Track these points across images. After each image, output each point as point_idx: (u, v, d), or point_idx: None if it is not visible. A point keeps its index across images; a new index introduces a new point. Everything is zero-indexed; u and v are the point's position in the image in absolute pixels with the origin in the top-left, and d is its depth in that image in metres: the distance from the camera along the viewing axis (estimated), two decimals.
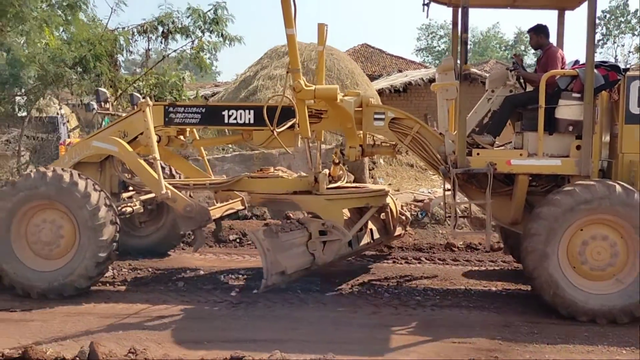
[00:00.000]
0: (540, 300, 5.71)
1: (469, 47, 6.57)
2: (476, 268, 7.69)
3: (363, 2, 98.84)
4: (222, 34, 12.81)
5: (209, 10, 12.65)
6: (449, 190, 6.21)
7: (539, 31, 6.47)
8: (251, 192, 6.93)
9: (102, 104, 7.21)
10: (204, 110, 6.96)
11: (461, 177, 6.14)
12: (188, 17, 12.71)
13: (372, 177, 12.32)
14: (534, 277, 5.64)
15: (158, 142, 6.72)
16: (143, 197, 7.44)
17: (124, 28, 12.84)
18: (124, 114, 7.28)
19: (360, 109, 6.51)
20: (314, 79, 7.13)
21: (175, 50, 13.09)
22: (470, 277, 7.18)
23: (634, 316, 5.46)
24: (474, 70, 7.90)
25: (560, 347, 5.01)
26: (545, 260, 5.54)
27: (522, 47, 48.01)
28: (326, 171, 6.68)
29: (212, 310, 5.92)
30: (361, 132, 6.69)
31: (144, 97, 7.43)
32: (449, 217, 7.51)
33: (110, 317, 5.68)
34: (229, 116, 6.85)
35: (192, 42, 12.85)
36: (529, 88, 6.41)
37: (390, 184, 11.78)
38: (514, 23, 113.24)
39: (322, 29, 6.98)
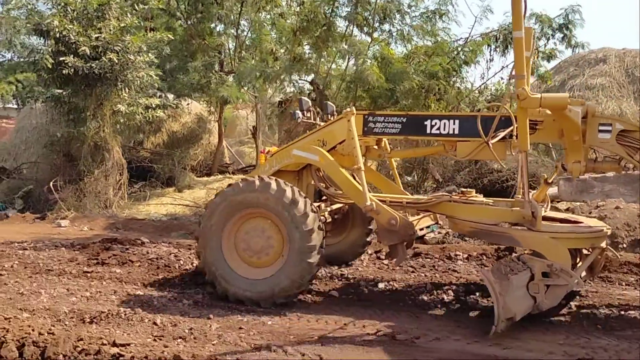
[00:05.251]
0: None
1: None
2: None
3: None
4: (569, 40, 12.06)
5: (558, 16, 12.04)
6: None
7: None
8: (452, 218, 6.48)
9: (305, 112, 7.23)
10: (404, 120, 6.72)
11: None
12: (535, 24, 12.10)
13: None
14: None
15: None
16: (331, 207, 7.40)
17: (466, 39, 12.41)
18: (321, 123, 7.24)
19: (585, 119, 5.93)
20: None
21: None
22: None
23: None
24: None
25: None
26: None
27: None
28: (533, 193, 6.11)
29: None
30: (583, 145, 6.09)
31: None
32: None
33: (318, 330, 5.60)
34: (432, 126, 6.56)
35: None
36: None
37: None
38: None
39: (529, 33, 6.50)
